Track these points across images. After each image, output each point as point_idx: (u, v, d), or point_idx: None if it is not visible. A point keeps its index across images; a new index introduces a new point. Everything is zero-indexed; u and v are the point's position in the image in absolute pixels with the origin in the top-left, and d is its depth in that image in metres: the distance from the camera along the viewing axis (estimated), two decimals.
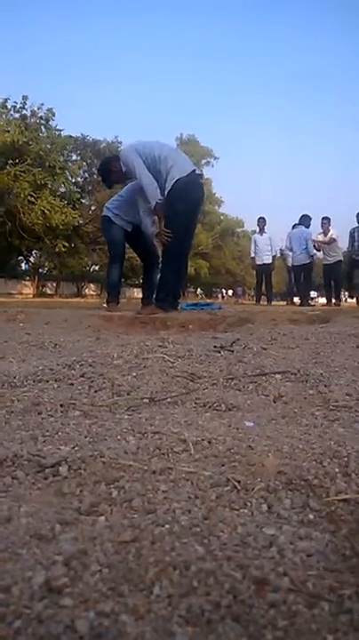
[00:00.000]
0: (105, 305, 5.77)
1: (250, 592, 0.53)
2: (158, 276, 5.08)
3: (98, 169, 5.23)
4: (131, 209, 5.14)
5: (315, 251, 11.02)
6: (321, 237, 11.01)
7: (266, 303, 11.78)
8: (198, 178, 4.62)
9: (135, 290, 38.76)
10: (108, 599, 0.52)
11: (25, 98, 21.69)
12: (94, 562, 0.58)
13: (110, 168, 4.95)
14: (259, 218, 11.72)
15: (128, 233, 5.38)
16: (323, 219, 11.14)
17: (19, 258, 30.39)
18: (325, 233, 11.01)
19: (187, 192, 4.45)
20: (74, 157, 25.65)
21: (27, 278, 31.76)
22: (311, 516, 0.73)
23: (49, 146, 21.98)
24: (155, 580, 0.55)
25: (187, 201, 4.48)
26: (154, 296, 5.03)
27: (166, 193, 4.47)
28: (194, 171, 4.51)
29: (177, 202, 4.43)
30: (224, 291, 47.48)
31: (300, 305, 10.56)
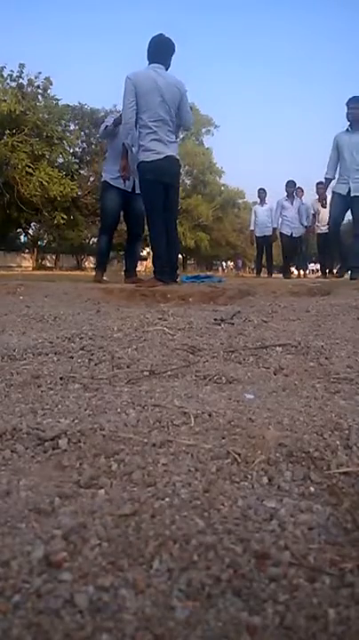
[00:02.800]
0: (105, 277, 5.75)
1: (250, 566, 0.53)
2: (151, 250, 5.09)
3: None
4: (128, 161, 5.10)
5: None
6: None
7: (266, 275, 11.71)
8: (171, 159, 4.55)
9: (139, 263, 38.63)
10: (108, 573, 0.52)
11: (22, 66, 21.12)
12: (94, 536, 0.58)
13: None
14: (260, 189, 11.52)
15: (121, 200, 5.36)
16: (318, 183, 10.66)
17: (18, 230, 30.13)
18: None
19: (155, 168, 4.43)
20: (72, 127, 25.17)
21: (27, 251, 31.59)
22: (312, 489, 0.72)
23: (46, 115, 21.52)
24: (155, 554, 0.55)
25: (155, 173, 4.45)
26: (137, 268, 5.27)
27: (138, 164, 4.50)
28: (167, 156, 4.46)
29: (146, 173, 4.45)
30: (224, 263, 47.27)
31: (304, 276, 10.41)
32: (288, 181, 10.65)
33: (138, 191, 5.15)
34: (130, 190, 5.33)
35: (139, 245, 6.04)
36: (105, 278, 5.56)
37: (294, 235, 10.68)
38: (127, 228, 5.73)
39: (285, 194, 10.69)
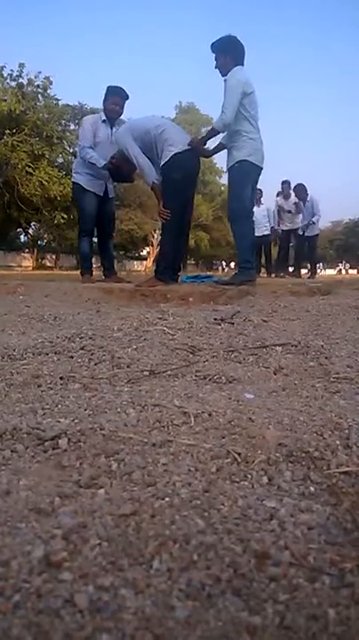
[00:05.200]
0: (104, 276, 5.76)
1: (250, 566, 0.53)
2: (159, 249, 5.08)
3: (112, 178, 5.22)
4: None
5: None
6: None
7: (265, 275, 11.72)
8: (195, 150, 4.54)
9: (135, 262, 38.64)
10: (108, 573, 0.52)
11: (21, 65, 21.10)
12: (94, 535, 0.58)
13: (118, 165, 4.85)
14: (257, 190, 11.48)
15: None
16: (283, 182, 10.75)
17: (18, 230, 30.15)
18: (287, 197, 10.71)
19: (183, 162, 4.38)
20: (71, 127, 25.16)
21: (27, 250, 31.59)
22: (312, 489, 0.72)
23: (46, 115, 21.52)
24: (155, 553, 0.55)
25: (183, 171, 4.41)
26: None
27: (162, 166, 4.41)
28: (189, 149, 4.43)
29: (173, 172, 4.36)
30: (224, 263, 47.24)
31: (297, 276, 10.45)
32: (283, 181, 10.72)
33: (110, 195, 5.50)
34: (102, 194, 5.44)
35: (112, 243, 6.11)
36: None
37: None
38: (99, 229, 5.75)
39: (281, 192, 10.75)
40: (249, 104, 4.42)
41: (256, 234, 11.35)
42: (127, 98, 5.34)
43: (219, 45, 4.51)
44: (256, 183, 4.79)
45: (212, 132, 4.60)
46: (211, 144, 4.86)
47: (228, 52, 4.47)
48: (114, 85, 5.28)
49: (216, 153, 4.99)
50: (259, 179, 4.81)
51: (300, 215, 10.54)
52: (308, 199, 10.34)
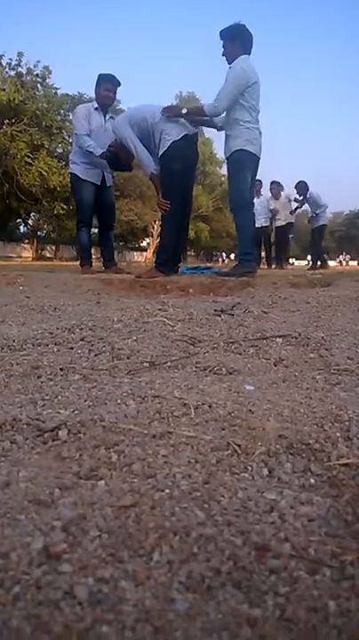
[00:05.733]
0: (104, 269, 5.75)
1: (250, 558, 0.53)
2: (159, 240, 5.06)
3: (110, 167, 5.21)
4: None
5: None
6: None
7: (265, 267, 11.74)
8: (192, 139, 4.51)
9: (135, 253, 38.55)
10: (108, 565, 0.51)
11: (20, 55, 20.95)
12: (93, 527, 0.58)
13: (116, 153, 4.81)
14: (256, 181, 11.54)
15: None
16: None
17: (18, 220, 30.08)
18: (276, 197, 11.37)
19: (181, 151, 4.34)
20: (71, 117, 25.02)
21: (26, 241, 31.50)
22: (312, 481, 0.72)
23: (45, 105, 21.39)
24: (155, 545, 0.55)
25: (182, 159, 4.37)
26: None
27: (160, 156, 4.37)
28: (186, 135, 4.40)
29: (172, 162, 4.33)
30: (224, 254, 47.14)
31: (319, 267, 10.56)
32: (272, 181, 11.43)
33: (108, 184, 5.45)
34: (99, 183, 5.40)
35: (112, 234, 6.11)
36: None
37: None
38: (99, 219, 5.73)
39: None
40: (250, 94, 4.39)
41: (256, 225, 11.54)
42: (119, 85, 5.32)
43: (228, 33, 4.48)
44: (255, 173, 4.75)
45: (199, 111, 4.53)
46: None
47: (236, 40, 4.44)
48: (105, 73, 5.28)
49: (203, 124, 4.90)
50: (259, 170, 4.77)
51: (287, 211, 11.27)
52: (308, 195, 10.71)
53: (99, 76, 5.28)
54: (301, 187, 10.71)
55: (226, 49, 4.50)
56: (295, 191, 10.95)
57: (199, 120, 4.73)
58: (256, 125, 4.52)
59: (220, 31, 4.52)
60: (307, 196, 10.67)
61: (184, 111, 4.45)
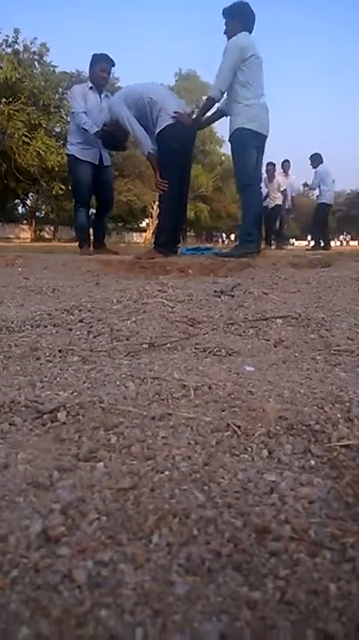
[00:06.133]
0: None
1: (251, 540, 0.52)
2: (158, 221, 5.02)
3: (104, 146, 5.21)
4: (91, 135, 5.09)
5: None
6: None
7: (265, 247, 11.71)
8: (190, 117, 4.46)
9: (134, 234, 38.33)
10: (107, 548, 0.51)
11: (17, 31, 20.51)
12: (92, 510, 0.57)
13: (111, 132, 4.75)
14: (269, 164, 11.48)
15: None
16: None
17: (16, 201, 29.83)
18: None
19: (178, 130, 4.28)
20: (69, 95, 24.68)
21: (25, 222, 31.28)
22: (313, 462, 0.72)
23: (43, 83, 21.03)
24: (155, 528, 0.54)
25: (179, 139, 4.32)
26: (103, 239, 5.65)
27: (156, 135, 4.32)
28: (184, 112, 4.34)
29: (169, 141, 4.27)
30: (224, 235, 46.90)
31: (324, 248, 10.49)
32: (267, 162, 11.18)
33: (105, 163, 5.43)
34: (97, 163, 5.38)
35: (108, 215, 6.18)
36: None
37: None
38: (98, 199, 5.72)
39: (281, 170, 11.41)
40: (249, 69, 4.32)
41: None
42: (113, 64, 5.30)
43: (230, 10, 4.45)
44: (261, 151, 4.68)
45: (209, 102, 4.51)
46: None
47: (236, 17, 4.40)
48: (99, 53, 5.26)
49: (213, 122, 4.90)
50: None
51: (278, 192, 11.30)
52: (318, 168, 10.60)
53: (94, 56, 5.26)
54: (315, 158, 10.57)
55: (227, 26, 4.46)
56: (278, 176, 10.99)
57: (210, 119, 4.77)
58: (257, 101, 4.45)
59: (223, 9, 4.48)
60: (318, 168, 10.54)
61: (194, 116, 4.47)
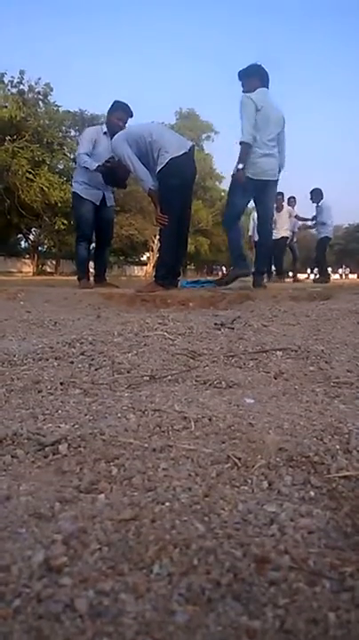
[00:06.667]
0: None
1: (250, 570, 0.53)
2: (159, 255, 5.12)
3: (105, 182, 5.41)
4: (96, 175, 5.25)
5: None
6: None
7: (266, 280, 11.82)
8: (191, 154, 4.59)
9: (135, 267, 38.65)
10: (108, 578, 0.52)
11: (22, 72, 21.20)
12: (94, 540, 0.58)
13: (113, 168, 4.90)
14: (277, 194, 11.72)
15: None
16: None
17: (19, 236, 30.19)
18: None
19: (179, 168, 4.42)
20: (72, 133, 25.24)
21: (27, 256, 31.58)
22: (312, 493, 0.72)
23: (47, 121, 21.62)
24: (155, 558, 0.55)
25: (180, 176, 4.45)
26: (103, 273, 5.84)
27: (158, 172, 4.44)
28: (185, 153, 4.49)
29: (170, 178, 4.39)
30: (224, 268, 47.26)
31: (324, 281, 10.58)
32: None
33: (109, 204, 5.68)
34: (98, 204, 5.58)
35: (108, 250, 6.38)
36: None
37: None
38: (97, 235, 5.85)
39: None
40: (257, 119, 4.65)
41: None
42: (131, 116, 5.46)
43: (246, 71, 4.87)
44: (261, 195, 4.99)
45: (246, 147, 4.72)
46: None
47: (251, 76, 4.81)
48: (121, 101, 5.43)
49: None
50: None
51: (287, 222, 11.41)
52: (320, 204, 10.87)
53: (115, 102, 5.42)
54: (316, 193, 10.82)
55: (244, 87, 4.84)
56: (285, 206, 11.12)
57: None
58: (262, 151, 4.73)
59: (239, 72, 4.90)
60: (320, 204, 10.79)
61: (241, 166, 4.72)
